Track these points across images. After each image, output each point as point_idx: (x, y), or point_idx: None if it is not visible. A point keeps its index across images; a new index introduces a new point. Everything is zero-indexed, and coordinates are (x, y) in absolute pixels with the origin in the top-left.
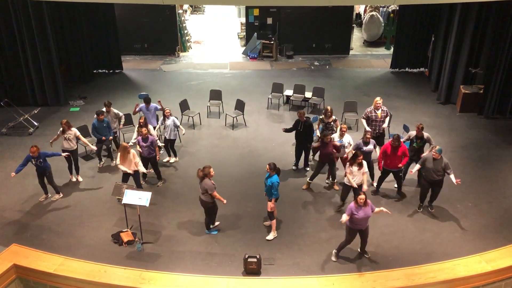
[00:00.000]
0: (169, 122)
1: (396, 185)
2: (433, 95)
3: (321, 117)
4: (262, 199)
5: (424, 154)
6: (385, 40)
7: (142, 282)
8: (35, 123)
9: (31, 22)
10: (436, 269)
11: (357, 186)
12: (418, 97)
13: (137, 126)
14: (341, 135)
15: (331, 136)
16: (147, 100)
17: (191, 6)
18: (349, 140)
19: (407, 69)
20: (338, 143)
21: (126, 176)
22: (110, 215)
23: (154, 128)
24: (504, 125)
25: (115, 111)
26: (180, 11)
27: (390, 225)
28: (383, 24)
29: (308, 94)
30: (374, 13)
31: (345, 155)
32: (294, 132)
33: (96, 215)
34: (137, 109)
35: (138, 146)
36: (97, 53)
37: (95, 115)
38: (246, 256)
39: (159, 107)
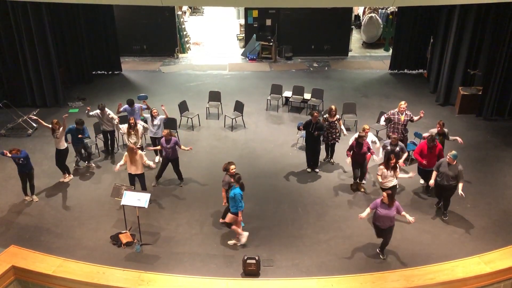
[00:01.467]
0: (156, 121)
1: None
2: (432, 96)
3: (325, 116)
4: (261, 199)
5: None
6: (384, 41)
7: (141, 283)
8: (34, 125)
9: (30, 23)
10: (435, 271)
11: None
12: (417, 98)
13: (127, 126)
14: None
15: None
16: (130, 102)
17: (190, 8)
18: (372, 139)
19: (406, 71)
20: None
21: (132, 178)
22: (109, 216)
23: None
24: (502, 127)
25: (108, 112)
26: (179, 13)
27: None
28: (382, 26)
29: (307, 96)
30: (373, 14)
31: (370, 153)
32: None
33: (95, 216)
34: (120, 109)
35: (159, 147)
36: (96, 54)
37: (75, 123)
38: (245, 258)
39: (144, 106)
